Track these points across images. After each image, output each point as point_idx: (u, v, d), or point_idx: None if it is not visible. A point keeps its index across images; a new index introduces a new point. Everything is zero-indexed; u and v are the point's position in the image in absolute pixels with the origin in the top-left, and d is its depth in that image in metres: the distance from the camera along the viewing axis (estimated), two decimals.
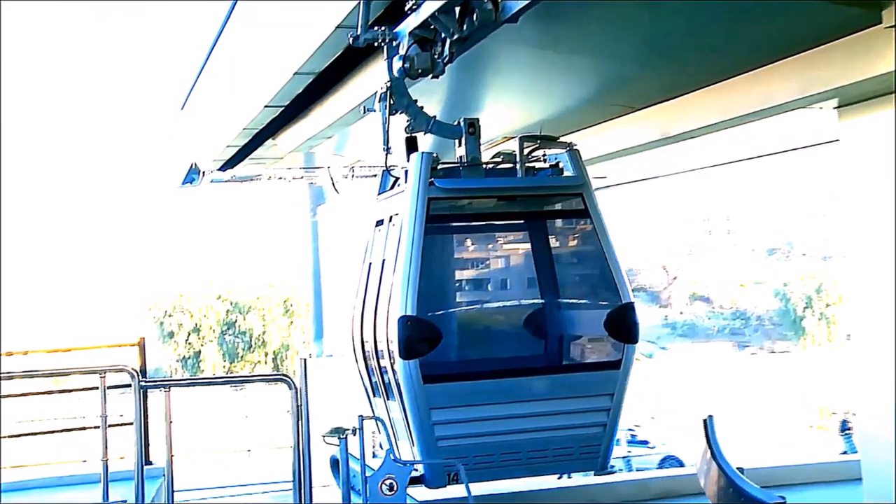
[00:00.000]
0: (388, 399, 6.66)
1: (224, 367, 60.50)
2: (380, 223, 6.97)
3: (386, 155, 6.51)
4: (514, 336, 7.29)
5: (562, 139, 7.34)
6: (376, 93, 6.42)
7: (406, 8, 6.22)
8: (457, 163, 6.77)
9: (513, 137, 7.04)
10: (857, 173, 7.44)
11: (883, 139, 6.96)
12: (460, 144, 6.77)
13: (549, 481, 8.70)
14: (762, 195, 70.15)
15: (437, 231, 6.74)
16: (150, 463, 8.70)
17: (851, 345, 7.82)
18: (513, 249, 7.68)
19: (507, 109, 9.37)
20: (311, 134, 10.54)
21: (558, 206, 7.18)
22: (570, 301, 7.40)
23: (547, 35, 6.94)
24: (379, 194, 7.11)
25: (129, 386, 7.82)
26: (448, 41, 6.00)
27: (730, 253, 75.71)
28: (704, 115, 8.12)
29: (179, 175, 12.55)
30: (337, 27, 7.01)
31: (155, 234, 72.31)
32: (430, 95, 7.99)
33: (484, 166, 6.83)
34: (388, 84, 6.31)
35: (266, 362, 60.81)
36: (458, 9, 5.81)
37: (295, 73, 8.47)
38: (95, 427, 7.86)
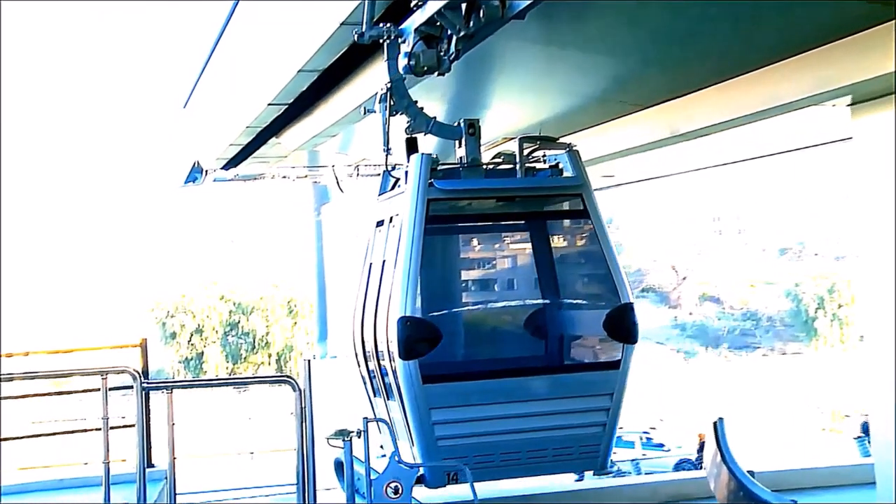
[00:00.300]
0: (388, 399, 6.67)
1: (227, 368, 60.44)
2: (380, 224, 7.00)
3: (386, 156, 6.55)
4: (514, 336, 7.34)
5: (567, 138, 7.34)
6: (376, 94, 6.44)
7: (412, 4, 6.17)
8: (457, 164, 6.79)
9: (513, 138, 7.06)
10: (870, 171, 7.35)
11: None
12: (460, 145, 6.78)
13: (557, 483, 8.70)
14: (773, 194, 69.88)
15: (436, 232, 6.78)
16: (153, 465, 8.64)
17: (864, 346, 7.73)
18: (512, 250, 7.72)
19: (514, 107, 9.33)
20: (316, 132, 10.51)
21: (558, 207, 7.20)
22: (570, 301, 7.44)
23: (554, 32, 6.91)
24: (379, 195, 7.14)
25: (131, 387, 7.75)
26: (454, 38, 5.97)
27: (740, 253, 75.44)
28: (714, 112, 8.07)
29: (182, 174, 12.52)
30: (342, 24, 6.97)
31: (157, 233, 72.25)
32: (436, 93, 7.95)
33: (484, 167, 6.85)
34: (389, 85, 6.33)
35: (269, 364, 60.64)
36: (464, 5, 5.77)
37: (299, 71, 8.43)
38: (97, 429, 7.79)
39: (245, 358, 61.39)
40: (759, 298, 72.52)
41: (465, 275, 7.52)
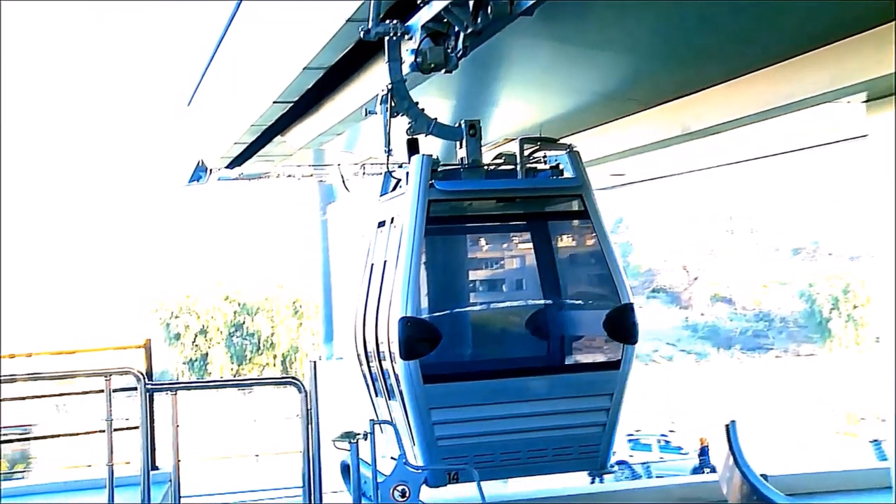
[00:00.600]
0: (389, 399, 6.71)
1: (232, 369, 60.40)
2: (381, 225, 7.05)
3: (387, 157, 6.60)
4: (514, 336, 7.39)
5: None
6: (377, 95, 6.46)
7: (418, 1, 6.12)
8: (458, 165, 6.83)
9: (514, 139, 7.09)
10: (885, 169, 7.23)
11: None
12: (461, 146, 6.81)
13: (567, 486, 8.67)
14: (786, 192, 69.60)
15: (437, 232, 6.84)
16: (157, 468, 8.62)
17: (880, 348, 7.63)
18: (513, 250, 7.77)
19: (522, 105, 9.29)
20: (321, 130, 10.48)
21: (558, 208, 7.23)
22: (570, 301, 7.50)
23: (563, 28, 6.86)
24: (381, 196, 7.19)
25: (135, 389, 7.70)
26: (462, 35, 5.92)
27: (752, 252, 75.16)
28: (727, 110, 8.01)
29: (186, 173, 12.52)
30: (347, 20, 6.93)
31: (161, 233, 72.29)
32: (442, 91, 7.88)
33: (485, 168, 6.88)
34: (389, 86, 6.33)
35: (275, 365, 60.46)
36: (472, 1, 5.72)
37: (304, 68, 8.38)
38: (101, 431, 7.74)
39: (250, 359, 61.26)
40: (772, 299, 72.23)
41: (465, 275, 7.56)
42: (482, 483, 6.40)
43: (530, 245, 7.38)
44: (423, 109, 6.51)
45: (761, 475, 6.47)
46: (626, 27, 7.04)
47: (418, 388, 6.20)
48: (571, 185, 6.78)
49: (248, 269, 64.14)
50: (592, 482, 9.09)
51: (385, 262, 6.63)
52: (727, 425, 6.69)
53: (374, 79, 8.00)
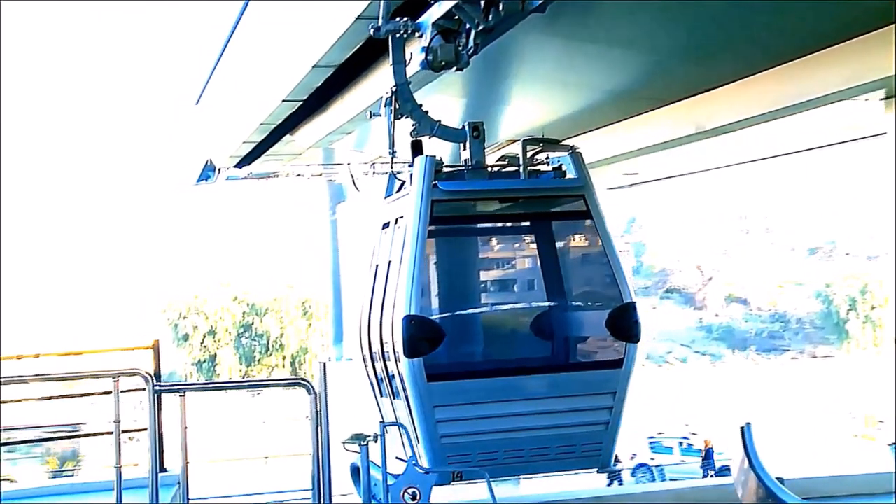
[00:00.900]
0: (394, 398, 6.74)
1: (240, 370, 60.51)
2: (386, 226, 7.09)
3: (392, 158, 6.61)
4: (517, 335, 7.43)
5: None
6: (381, 97, 6.48)
7: None
8: (462, 166, 6.86)
9: (517, 140, 7.10)
10: None
11: None
12: (465, 148, 6.84)
13: (579, 489, 8.62)
14: (802, 191, 69.19)
15: (440, 233, 6.90)
16: (165, 470, 8.56)
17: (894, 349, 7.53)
18: (515, 250, 7.82)
19: (534, 103, 9.26)
20: (331, 129, 10.50)
21: (560, 208, 7.27)
22: (573, 301, 7.55)
23: (575, 26, 6.88)
24: (385, 197, 7.23)
25: (143, 390, 7.66)
26: (473, 32, 5.90)
27: (768, 252, 74.78)
28: (742, 108, 7.98)
29: (194, 172, 12.50)
30: (357, 18, 6.98)
31: (169, 233, 72.37)
32: (453, 89, 7.84)
33: (488, 169, 6.92)
34: (394, 88, 6.36)
35: (284, 366, 60.53)
36: None
37: (314, 66, 8.39)
38: (108, 433, 7.70)
39: (259, 360, 61.34)
40: (788, 299, 71.89)
41: (468, 275, 7.59)
42: (492, 484, 6.39)
43: (533, 245, 7.45)
44: (426, 111, 6.53)
45: (777, 478, 6.38)
46: (639, 24, 7.01)
47: (422, 386, 6.23)
48: (574, 185, 6.81)
49: (257, 269, 64.19)
50: (610, 484, 9.08)
51: (389, 262, 6.68)
52: (742, 428, 6.60)
53: (384, 78, 7.95)
